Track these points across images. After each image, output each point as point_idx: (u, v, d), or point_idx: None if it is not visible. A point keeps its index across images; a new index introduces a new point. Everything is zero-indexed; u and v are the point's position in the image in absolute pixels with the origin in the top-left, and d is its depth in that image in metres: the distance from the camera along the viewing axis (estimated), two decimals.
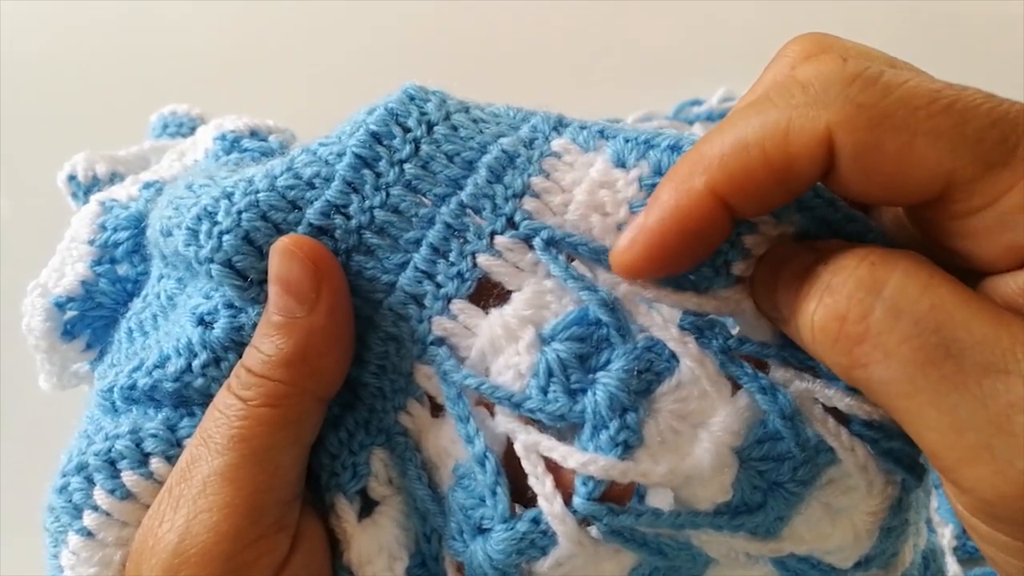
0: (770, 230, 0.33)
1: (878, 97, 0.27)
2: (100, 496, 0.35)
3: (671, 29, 0.93)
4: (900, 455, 0.32)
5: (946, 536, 0.72)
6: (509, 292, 0.34)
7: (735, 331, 0.34)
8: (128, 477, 0.35)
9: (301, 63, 0.90)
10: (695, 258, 0.32)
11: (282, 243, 0.34)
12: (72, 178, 0.52)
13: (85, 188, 0.51)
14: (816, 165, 0.28)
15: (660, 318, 0.33)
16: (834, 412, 0.33)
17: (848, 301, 0.28)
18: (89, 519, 0.35)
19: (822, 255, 0.30)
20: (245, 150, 0.47)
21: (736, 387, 0.33)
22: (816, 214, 0.32)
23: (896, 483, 0.34)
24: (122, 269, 0.45)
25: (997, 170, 0.26)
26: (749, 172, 0.28)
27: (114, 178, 0.52)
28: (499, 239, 0.34)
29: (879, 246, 0.29)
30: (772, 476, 0.32)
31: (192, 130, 0.60)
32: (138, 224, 0.44)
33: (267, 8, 0.93)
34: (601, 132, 0.35)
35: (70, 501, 0.35)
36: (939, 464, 0.27)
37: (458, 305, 0.34)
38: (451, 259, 0.35)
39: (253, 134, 0.48)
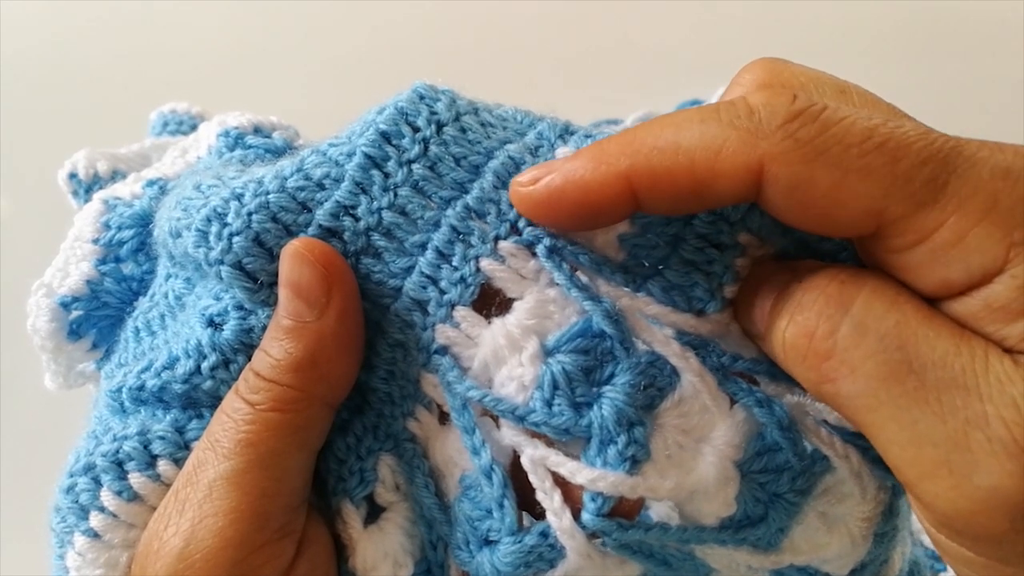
0: (755, 251, 0.33)
1: (815, 133, 0.27)
2: (107, 497, 0.35)
3: (671, 29, 0.93)
4: None
5: None
6: (511, 300, 0.34)
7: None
8: (135, 479, 0.35)
9: (301, 61, 0.90)
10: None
11: (293, 246, 0.34)
12: (73, 176, 0.51)
13: (86, 186, 0.51)
14: (737, 189, 0.29)
15: (661, 333, 0.33)
16: (825, 423, 0.33)
17: (817, 318, 0.29)
18: (96, 520, 0.35)
19: (797, 274, 0.31)
20: (249, 146, 0.46)
21: (732, 402, 0.33)
22: (796, 235, 0.33)
23: (887, 488, 0.34)
24: (127, 268, 0.45)
25: (927, 209, 0.27)
26: (671, 175, 0.29)
27: (115, 176, 0.51)
28: (503, 244, 0.34)
29: (851, 266, 0.30)
30: (772, 488, 0.33)
31: (192, 128, 0.60)
32: (143, 222, 0.44)
33: (267, 6, 0.92)
34: None
35: (77, 502, 0.35)
36: (902, 478, 0.27)
37: (461, 312, 0.34)
38: (455, 263, 0.34)
39: (257, 131, 0.48)
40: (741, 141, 0.28)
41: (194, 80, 0.87)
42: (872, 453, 0.32)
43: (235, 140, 0.47)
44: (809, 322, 0.29)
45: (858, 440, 0.32)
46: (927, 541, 0.72)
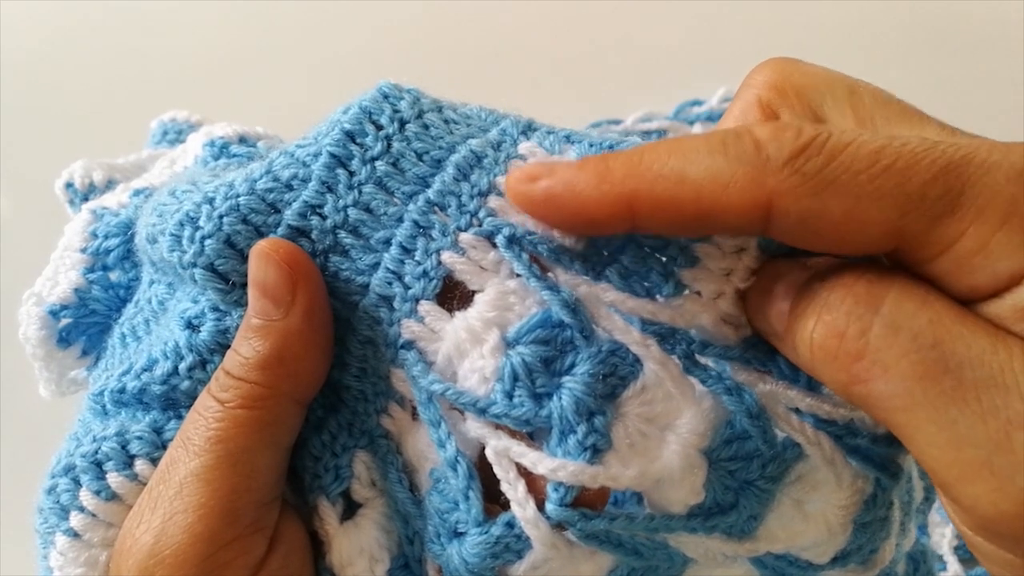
0: (725, 240, 0.33)
1: (821, 164, 0.27)
2: (86, 497, 0.36)
3: (671, 29, 0.93)
4: (868, 453, 0.33)
5: (947, 536, 0.72)
6: (473, 293, 0.34)
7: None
8: (113, 478, 0.36)
9: (305, 65, 0.91)
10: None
11: (259, 247, 0.34)
12: (69, 185, 0.52)
13: (82, 195, 0.52)
14: (743, 223, 0.29)
15: (621, 321, 0.32)
16: (796, 411, 0.33)
17: (847, 318, 0.28)
18: (76, 520, 0.35)
19: (817, 273, 0.30)
20: (233, 155, 0.47)
21: (701, 390, 0.33)
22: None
23: (868, 478, 0.34)
24: (114, 275, 0.45)
25: (945, 221, 0.26)
26: (676, 204, 0.29)
27: (110, 185, 0.52)
28: (463, 236, 0.34)
29: (875, 264, 0.29)
30: (742, 475, 0.32)
31: None
32: (128, 230, 0.45)
33: (274, 9, 0.93)
34: (567, 137, 0.36)
35: (58, 502, 0.36)
36: (938, 480, 0.27)
37: (424, 307, 0.34)
38: (417, 258, 0.35)
39: (242, 140, 0.49)
40: (748, 178, 0.28)
41: (196, 81, 0.88)
42: (846, 443, 0.32)
43: (220, 149, 0.48)
44: (838, 322, 0.28)
45: (830, 427, 0.32)
46: (947, 533, 0.72)
